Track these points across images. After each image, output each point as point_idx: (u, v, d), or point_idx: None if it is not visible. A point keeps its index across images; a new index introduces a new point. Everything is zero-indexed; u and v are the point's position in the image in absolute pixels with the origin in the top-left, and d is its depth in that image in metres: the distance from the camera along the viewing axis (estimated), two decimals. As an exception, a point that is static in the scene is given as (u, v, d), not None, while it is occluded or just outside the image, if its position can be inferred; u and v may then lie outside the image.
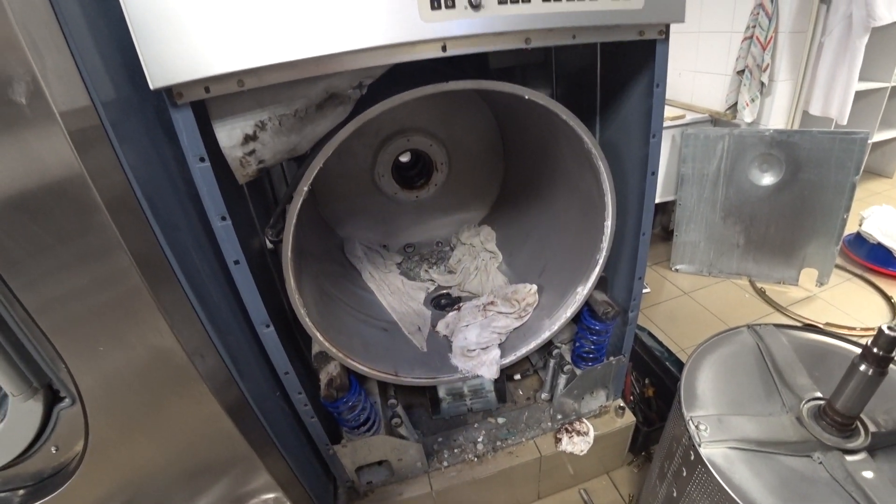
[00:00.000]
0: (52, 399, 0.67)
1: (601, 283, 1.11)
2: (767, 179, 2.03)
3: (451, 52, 0.65)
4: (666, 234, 2.31)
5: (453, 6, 0.61)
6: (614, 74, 0.95)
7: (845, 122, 2.14)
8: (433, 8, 0.60)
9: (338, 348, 0.90)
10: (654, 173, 0.92)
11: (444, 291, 1.35)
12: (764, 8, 1.91)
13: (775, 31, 1.93)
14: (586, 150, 0.89)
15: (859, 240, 2.31)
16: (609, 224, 0.98)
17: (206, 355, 0.66)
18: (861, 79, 2.69)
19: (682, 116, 2.12)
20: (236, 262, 0.71)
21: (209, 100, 0.62)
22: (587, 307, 1.13)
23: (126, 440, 0.67)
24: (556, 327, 1.12)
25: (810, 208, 1.99)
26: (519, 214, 1.39)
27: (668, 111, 2.17)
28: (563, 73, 1.16)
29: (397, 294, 1.28)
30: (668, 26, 0.78)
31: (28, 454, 0.69)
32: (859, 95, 2.71)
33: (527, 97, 0.77)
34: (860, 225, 2.30)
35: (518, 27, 0.65)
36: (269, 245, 0.90)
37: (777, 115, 2.09)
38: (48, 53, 0.47)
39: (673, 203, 2.18)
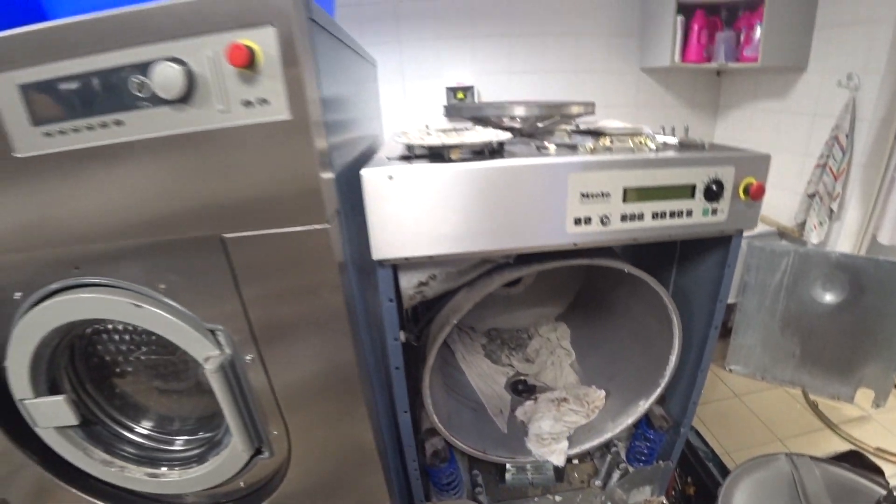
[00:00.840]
0: (255, 451, 0.95)
1: (661, 399, 1.31)
2: (829, 298, 2.14)
3: (579, 246, 0.91)
4: (724, 332, 2.43)
5: (590, 223, 0.87)
6: (692, 247, 1.17)
7: (914, 254, 2.23)
8: (576, 224, 0.86)
9: (447, 429, 1.15)
10: (717, 328, 1.12)
11: (522, 378, 1.58)
12: (839, 142, 2.06)
13: (848, 163, 2.07)
14: (663, 304, 1.12)
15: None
16: (673, 359, 1.19)
17: (378, 437, 0.94)
18: None
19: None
20: (397, 368, 0.99)
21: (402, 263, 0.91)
22: (646, 417, 1.32)
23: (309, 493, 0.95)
24: (617, 430, 1.32)
25: (871, 331, 2.07)
26: (593, 322, 1.61)
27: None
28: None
29: (483, 377, 1.52)
30: (742, 230, 1.01)
31: (222, 484, 0.98)
32: None
33: (626, 270, 1.02)
34: None
35: (632, 235, 0.91)
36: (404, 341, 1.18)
37: (845, 240, 2.20)
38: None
39: (734, 305, 2.32)
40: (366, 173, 0.78)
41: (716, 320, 1.12)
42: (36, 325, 0.79)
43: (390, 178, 0.78)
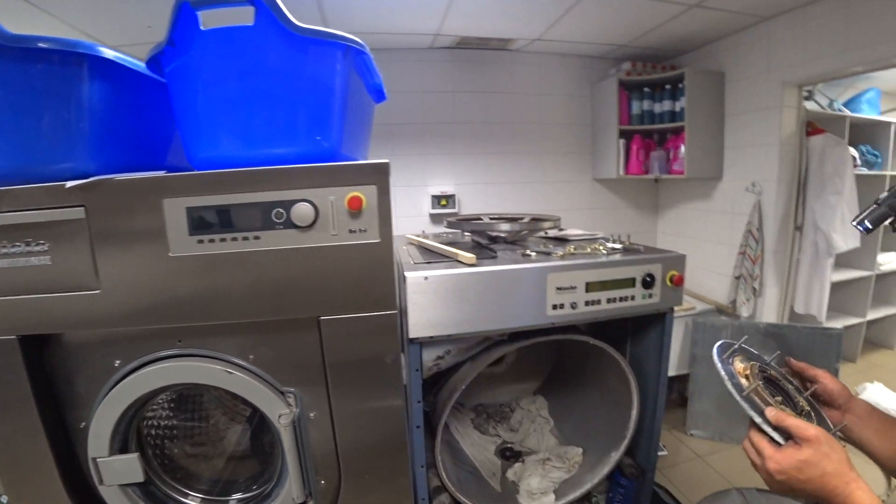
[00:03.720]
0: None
1: (629, 450, 1.58)
2: (764, 363, 2.51)
3: (556, 324, 1.24)
4: (682, 401, 2.74)
5: (563, 307, 1.21)
6: (641, 323, 1.52)
7: (823, 319, 2.68)
8: (553, 309, 1.20)
9: (454, 486, 1.37)
10: (665, 384, 1.44)
11: (509, 445, 1.82)
12: (752, 234, 2.56)
13: (762, 251, 2.56)
14: (622, 368, 1.44)
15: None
16: (634, 413, 1.49)
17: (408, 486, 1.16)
18: (853, 267, 3.39)
19: (693, 308, 2.68)
20: (418, 427, 1.24)
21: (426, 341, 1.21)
22: (617, 468, 1.58)
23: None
24: (595, 481, 1.57)
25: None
26: (566, 391, 1.91)
27: (684, 301, 2.76)
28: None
29: (475, 445, 1.76)
30: (673, 308, 1.37)
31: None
32: (850, 282, 3.39)
33: (591, 342, 1.35)
34: None
35: (594, 315, 1.25)
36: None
37: (769, 311, 2.64)
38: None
39: (688, 375, 2.65)
40: (409, 275, 1.11)
41: (662, 377, 1.44)
42: (133, 387, 0.99)
43: (426, 279, 1.11)
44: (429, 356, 1.26)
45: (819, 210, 2.56)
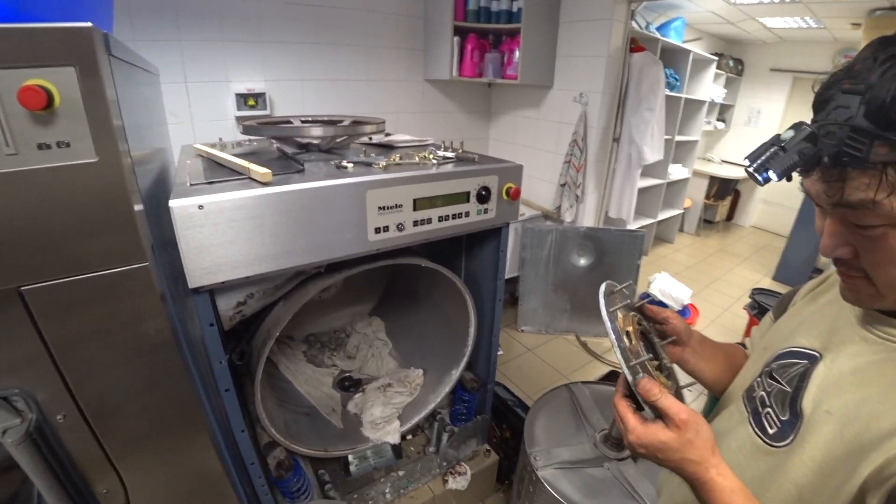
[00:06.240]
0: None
1: (468, 365, 1.58)
2: (583, 262, 2.79)
3: (381, 250, 1.06)
4: (513, 301, 2.94)
5: (388, 230, 1.02)
6: (476, 239, 1.43)
7: (631, 222, 3.05)
8: (376, 233, 1.00)
9: (285, 438, 1.19)
10: (501, 300, 1.42)
11: (347, 374, 1.69)
12: (577, 144, 2.68)
13: (585, 160, 2.71)
14: (457, 288, 1.35)
15: (649, 297, 3.22)
16: (472, 330, 1.46)
17: (224, 461, 0.94)
18: (650, 176, 3.94)
19: (523, 214, 2.78)
20: (227, 390, 1.00)
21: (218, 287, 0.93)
22: (459, 382, 1.58)
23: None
24: (438, 400, 1.55)
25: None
26: (402, 312, 1.81)
27: (516, 208, 2.85)
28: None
29: (310, 381, 1.58)
30: (509, 222, 1.29)
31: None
32: (649, 189, 3.97)
33: (423, 265, 1.21)
34: (648, 286, 3.22)
35: (425, 236, 1.09)
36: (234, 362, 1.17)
37: (588, 216, 2.88)
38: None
39: (517, 277, 2.82)
40: (175, 205, 0.78)
41: (498, 294, 1.41)
42: None
43: (200, 207, 0.80)
44: (226, 304, 0.99)
45: (635, 124, 2.77)
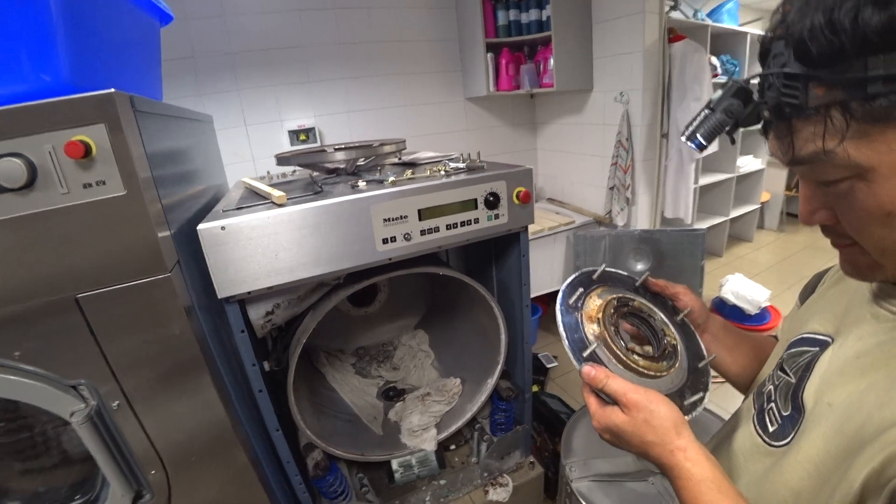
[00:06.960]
0: (137, 494, 0.99)
1: (505, 374, 1.58)
2: (640, 266, 2.66)
3: (394, 260, 1.12)
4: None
5: (395, 241, 1.08)
6: (502, 246, 1.45)
7: (690, 221, 2.87)
8: (384, 243, 1.07)
9: (322, 440, 1.28)
10: (528, 306, 1.41)
11: (392, 385, 1.76)
12: (622, 144, 2.60)
13: (632, 160, 2.62)
14: (489, 304, 1.38)
15: (721, 302, 2.99)
16: (503, 339, 1.46)
17: (253, 458, 1.04)
18: (715, 171, 3.71)
19: (573, 221, 2.73)
20: (260, 391, 1.10)
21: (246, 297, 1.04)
22: (496, 392, 1.58)
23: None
24: (475, 408, 1.56)
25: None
26: (445, 324, 1.86)
27: (563, 216, 2.80)
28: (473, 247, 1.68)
29: (355, 391, 1.67)
30: (526, 226, 1.30)
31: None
32: (715, 185, 3.73)
33: (442, 274, 1.25)
34: (720, 290, 2.99)
35: (434, 244, 1.14)
36: (268, 369, 1.28)
37: (642, 219, 2.76)
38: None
39: (573, 287, 2.75)
40: (201, 227, 0.91)
41: (524, 300, 1.40)
42: None
43: (223, 228, 0.92)
44: (256, 314, 1.10)
45: (682, 117, 2.63)
